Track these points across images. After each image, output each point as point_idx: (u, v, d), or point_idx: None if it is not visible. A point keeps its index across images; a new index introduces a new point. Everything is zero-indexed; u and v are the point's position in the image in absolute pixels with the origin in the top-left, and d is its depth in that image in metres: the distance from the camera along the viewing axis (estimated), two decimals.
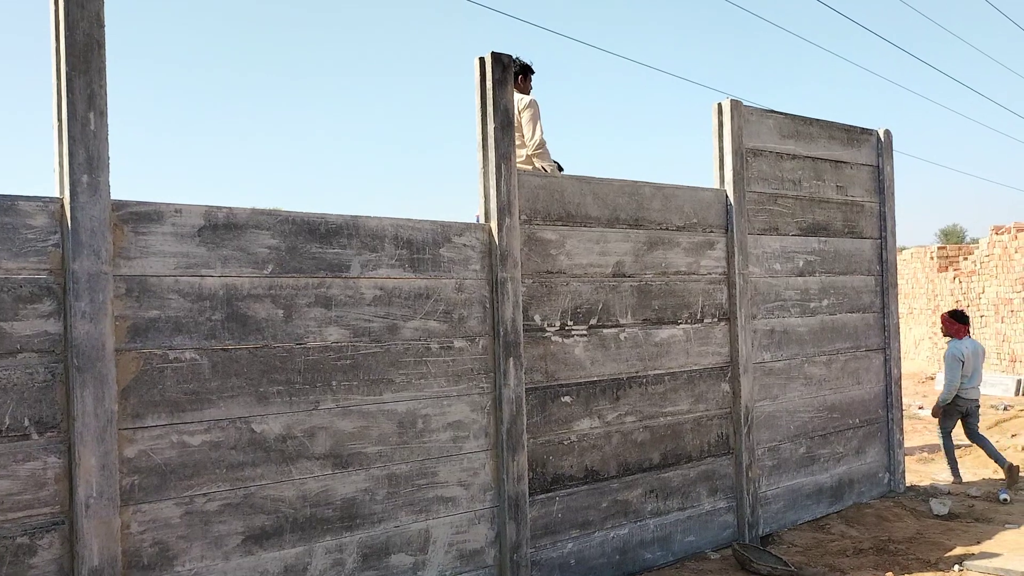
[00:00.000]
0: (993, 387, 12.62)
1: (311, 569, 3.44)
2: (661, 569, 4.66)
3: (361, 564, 3.58)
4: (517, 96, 5.85)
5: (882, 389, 6.34)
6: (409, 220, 3.82)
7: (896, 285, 6.43)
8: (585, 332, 4.45)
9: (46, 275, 2.91)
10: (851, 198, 6.12)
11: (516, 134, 5.70)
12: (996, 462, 6.77)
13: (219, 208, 3.30)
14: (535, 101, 5.83)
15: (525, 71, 6.11)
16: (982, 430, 7.41)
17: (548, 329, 4.29)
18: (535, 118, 5.80)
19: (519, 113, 5.76)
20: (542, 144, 5.74)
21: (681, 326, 4.92)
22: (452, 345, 3.90)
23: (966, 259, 15.78)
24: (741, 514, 5.13)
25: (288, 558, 3.38)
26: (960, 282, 15.59)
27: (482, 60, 4.09)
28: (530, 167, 5.52)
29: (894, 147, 6.46)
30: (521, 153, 5.79)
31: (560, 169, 5.81)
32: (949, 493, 6.38)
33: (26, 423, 2.85)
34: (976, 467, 7.38)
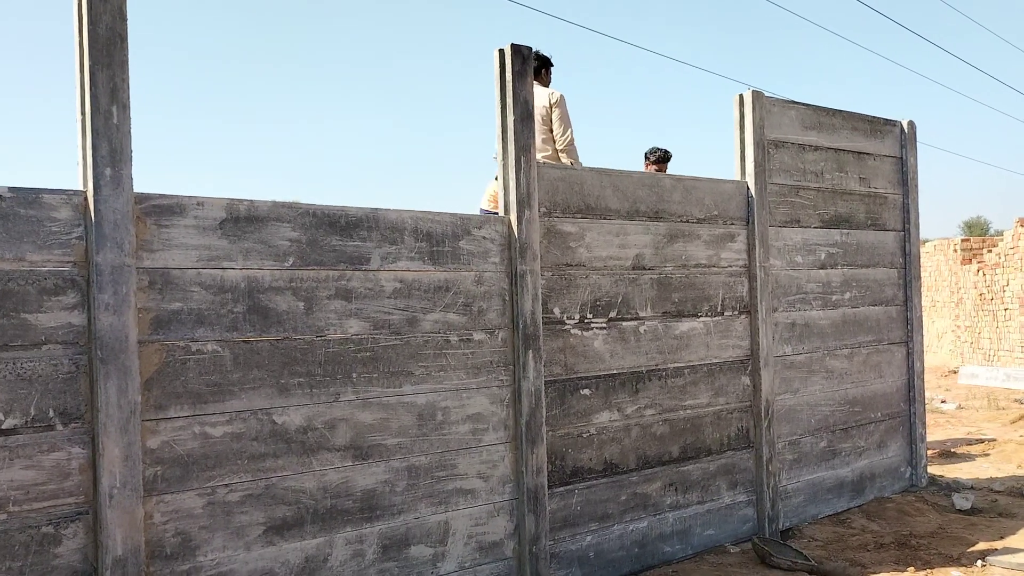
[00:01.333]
0: (1018, 381, 12.47)
1: (331, 560, 3.46)
2: (680, 562, 4.65)
3: (381, 555, 3.60)
4: (546, 91, 5.85)
5: (904, 383, 6.28)
6: (428, 213, 3.82)
7: (919, 278, 6.36)
8: (604, 325, 4.43)
9: (70, 267, 2.94)
10: (874, 190, 6.06)
11: (543, 128, 5.71)
12: None
13: (240, 201, 3.32)
14: (564, 98, 5.81)
15: (545, 64, 6.09)
16: (1007, 425, 7.32)
17: (567, 322, 4.28)
18: (565, 116, 5.79)
19: (549, 109, 5.75)
20: (572, 142, 5.73)
21: (701, 319, 4.89)
22: (471, 338, 3.91)
23: (990, 251, 15.59)
24: (761, 508, 5.11)
25: (309, 549, 3.41)
26: (984, 275, 15.41)
27: (501, 52, 4.07)
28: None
29: (918, 138, 6.38)
30: (548, 149, 5.78)
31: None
32: (972, 488, 6.32)
33: (51, 414, 2.88)
34: (999, 462, 7.31)
